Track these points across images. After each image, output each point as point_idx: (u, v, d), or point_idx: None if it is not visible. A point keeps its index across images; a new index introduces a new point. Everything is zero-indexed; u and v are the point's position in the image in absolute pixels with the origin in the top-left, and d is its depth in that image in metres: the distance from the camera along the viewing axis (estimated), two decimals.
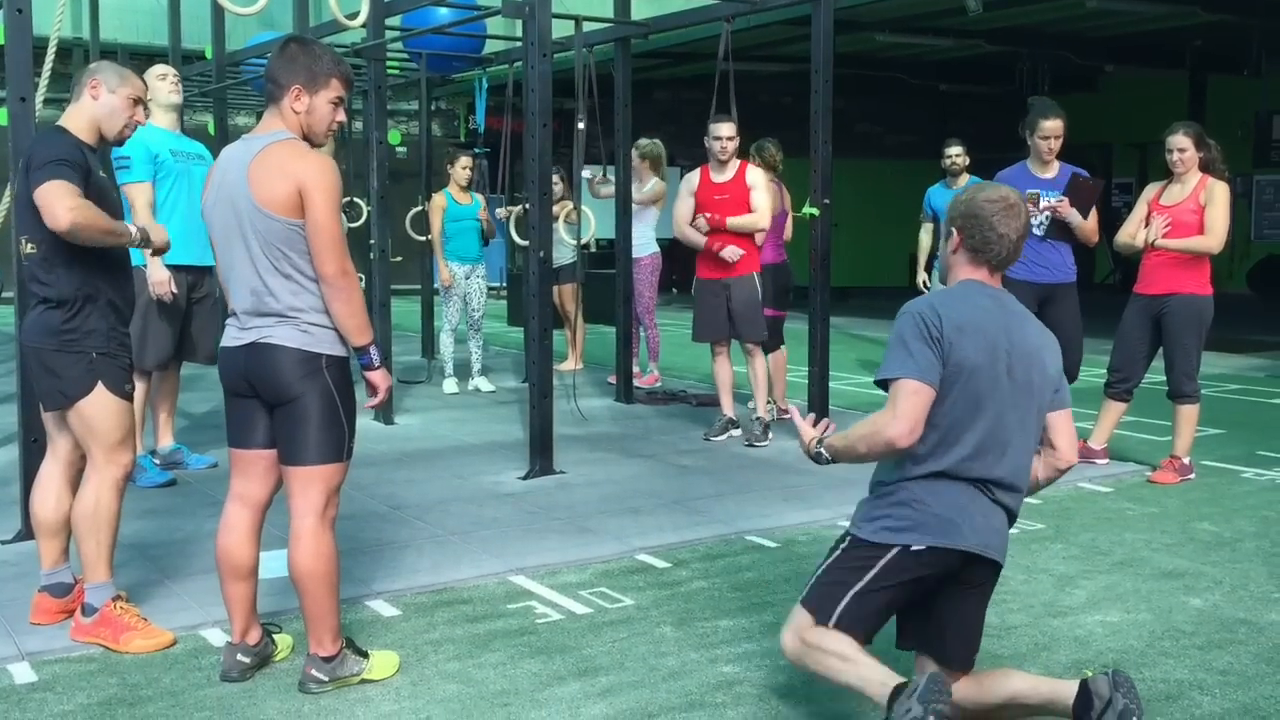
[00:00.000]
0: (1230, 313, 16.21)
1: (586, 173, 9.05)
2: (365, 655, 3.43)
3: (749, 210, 6.71)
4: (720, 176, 6.80)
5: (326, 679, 3.31)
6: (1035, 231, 5.85)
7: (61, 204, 3.44)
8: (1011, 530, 4.96)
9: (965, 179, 8.26)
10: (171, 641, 3.68)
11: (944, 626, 3.02)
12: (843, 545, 3.02)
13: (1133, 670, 3.47)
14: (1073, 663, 3.54)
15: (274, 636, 3.57)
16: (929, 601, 3.00)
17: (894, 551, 2.92)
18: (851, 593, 2.93)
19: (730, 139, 6.74)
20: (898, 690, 2.71)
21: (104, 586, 3.67)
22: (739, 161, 6.83)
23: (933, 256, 8.49)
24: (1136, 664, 3.52)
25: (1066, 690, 2.87)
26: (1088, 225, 6.08)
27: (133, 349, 5.60)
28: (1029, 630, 3.82)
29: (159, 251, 4.06)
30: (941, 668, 3.02)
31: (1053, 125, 6.06)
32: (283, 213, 3.16)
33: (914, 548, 2.91)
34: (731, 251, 6.68)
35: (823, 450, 3.14)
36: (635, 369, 9.05)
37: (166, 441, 6.10)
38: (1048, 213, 6.02)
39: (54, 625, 3.78)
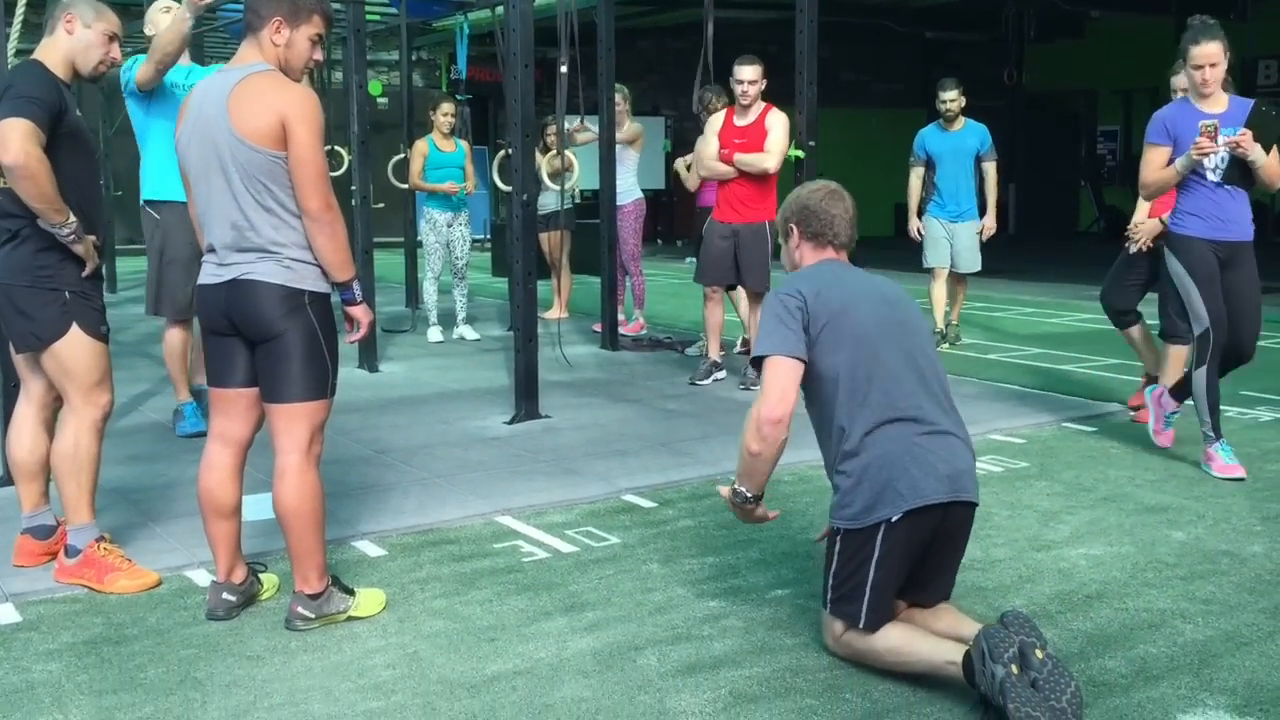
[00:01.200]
0: None
1: (567, 123, 8.97)
2: (351, 593, 3.42)
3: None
4: (742, 120, 6.75)
5: (313, 616, 3.31)
6: (1211, 177, 4.87)
7: (17, 141, 3.34)
8: (996, 469, 5.03)
9: (962, 122, 8.17)
10: (156, 582, 3.66)
11: (930, 575, 3.07)
12: (837, 540, 3.05)
13: (1115, 600, 3.50)
14: (1056, 594, 3.56)
15: (259, 575, 3.56)
16: (921, 560, 3.03)
17: (880, 530, 2.94)
18: (869, 588, 2.96)
19: (752, 83, 6.67)
20: (967, 662, 2.73)
21: (86, 528, 3.66)
22: (762, 105, 6.76)
23: (923, 202, 8.39)
24: (1119, 594, 3.55)
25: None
26: (1272, 165, 4.84)
27: (153, 298, 5.55)
28: (1013, 564, 3.84)
29: (80, 255, 3.60)
30: (914, 604, 3.10)
31: (1206, 51, 4.82)
32: (264, 144, 3.11)
33: (893, 519, 2.93)
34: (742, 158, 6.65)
35: (736, 487, 3.20)
36: (620, 316, 9.03)
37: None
38: (1226, 150, 4.80)
39: (37, 567, 3.77)
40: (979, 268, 8.48)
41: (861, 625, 2.98)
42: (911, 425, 3.00)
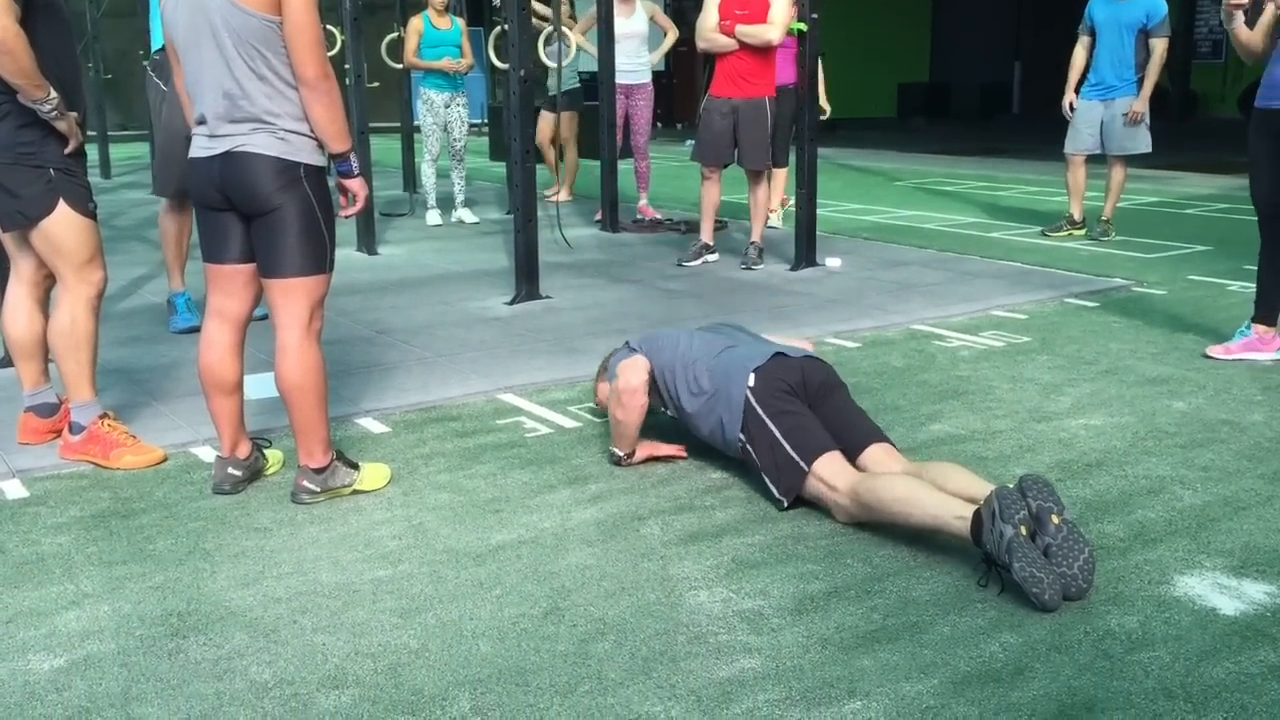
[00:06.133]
0: (1220, 136, 16.08)
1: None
2: (356, 467, 3.44)
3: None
4: None
5: (318, 489, 3.33)
6: None
7: None
8: (998, 344, 5.04)
9: None
10: (162, 458, 3.69)
11: (839, 423, 3.31)
12: (746, 448, 3.34)
13: (1115, 468, 3.52)
14: (1056, 462, 3.58)
15: (264, 451, 3.58)
16: (821, 417, 3.31)
17: (751, 400, 3.29)
18: (784, 440, 3.21)
19: None
20: (977, 519, 2.74)
21: (89, 405, 3.66)
22: None
23: (1084, 75, 7.72)
24: (1119, 462, 3.57)
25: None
26: None
27: (158, 177, 5.28)
28: (1014, 434, 3.86)
29: (63, 134, 3.52)
30: (872, 444, 3.27)
31: None
32: (259, 8, 3.01)
33: (750, 383, 3.32)
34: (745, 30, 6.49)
35: (610, 448, 3.67)
36: (643, 202, 8.97)
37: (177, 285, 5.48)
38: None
39: (43, 445, 3.79)
40: (1141, 149, 7.57)
41: (806, 467, 3.14)
42: (736, 347, 3.54)
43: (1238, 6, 4.49)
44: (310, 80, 3.08)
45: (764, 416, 3.26)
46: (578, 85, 9.41)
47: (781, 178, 8.24)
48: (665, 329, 4.01)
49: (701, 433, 3.55)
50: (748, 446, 3.31)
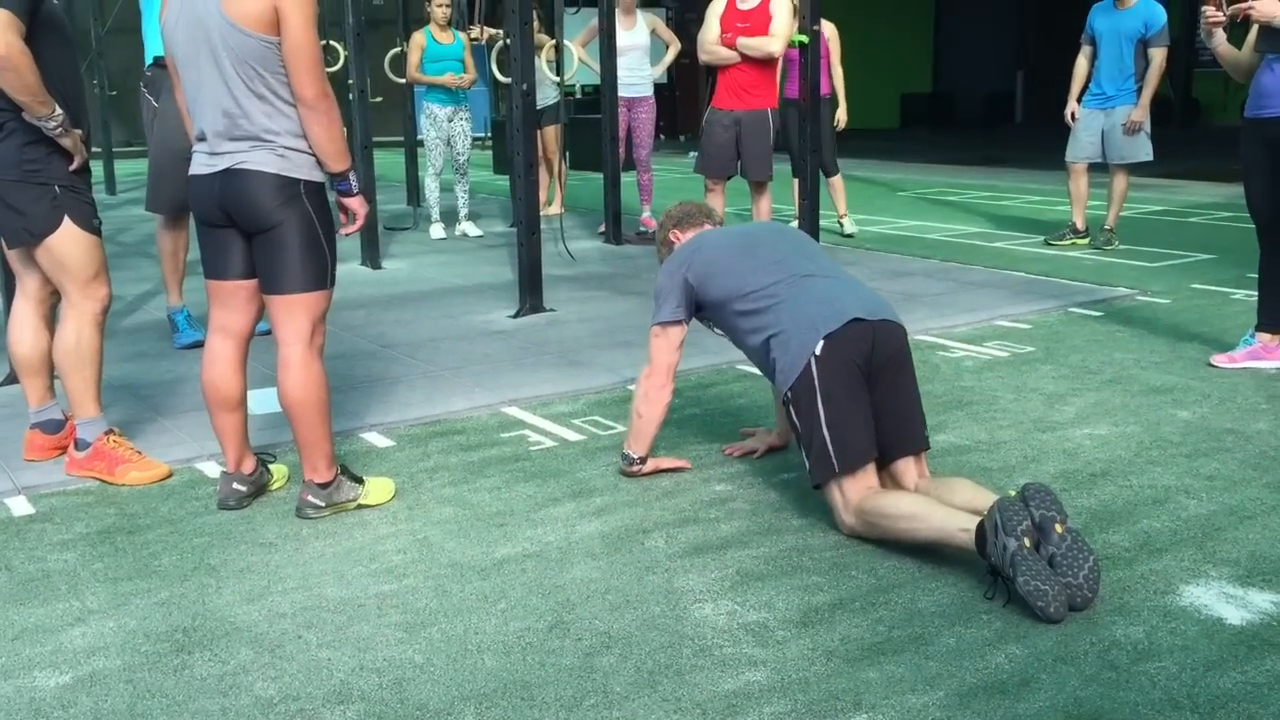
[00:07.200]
0: (1224, 143, 16.07)
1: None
2: (361, 481, 3.44)
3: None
4: (745, 4, 6.54)
5: (323, 504, 3.34)
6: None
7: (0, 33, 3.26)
8: (1002, 354, 5.03)
9: (1133, 2, 7.46)
10: (167, 474, 3.69)
11: (891, 415, 3.16)
12: (789, 408, 3.19)
13: (1120, 478, 3.52)
14: (1061, 473, 3.57)
15: (269, 466, 3.58)
16: (877, 397, 3.14)
17: (812, 369, 3.10)
18: (826, 430, 3.07)
19: None
20: (980, 532, 2.73)
21: (95, 421, 3.67)
22: None
23: (1086, 85, 7.74)
24: (1124, 472, 3.56)
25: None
26: None
27: (150, 193, 5.26)
28: (1018, 445, 3.86)
29: (68, 151, 3.54)
30: (909, 456, 3.18)
31: None
32: (258, 29, 3.03)
33: (817, 352, 3.10)
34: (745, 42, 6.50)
35: (625, 450, 3.61)
36: (646, 215, 8.99)
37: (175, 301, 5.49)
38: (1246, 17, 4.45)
39: (48, 461, 3.80)
40: (1142, 158, 7.60)
41: (838, 469, 3.06)
42: (808, 279, 3.30)
43: (1217, 24, 4.52)
44: (309, 100, 3.10)
45: (817, 393, 3.08)
46: (557, 100, 9.38)
47: (840, 186, 8.54)
48: (714, 235, 3.58)
49: (755, 363, 3.45)
50: (792, 407, 3.17)
